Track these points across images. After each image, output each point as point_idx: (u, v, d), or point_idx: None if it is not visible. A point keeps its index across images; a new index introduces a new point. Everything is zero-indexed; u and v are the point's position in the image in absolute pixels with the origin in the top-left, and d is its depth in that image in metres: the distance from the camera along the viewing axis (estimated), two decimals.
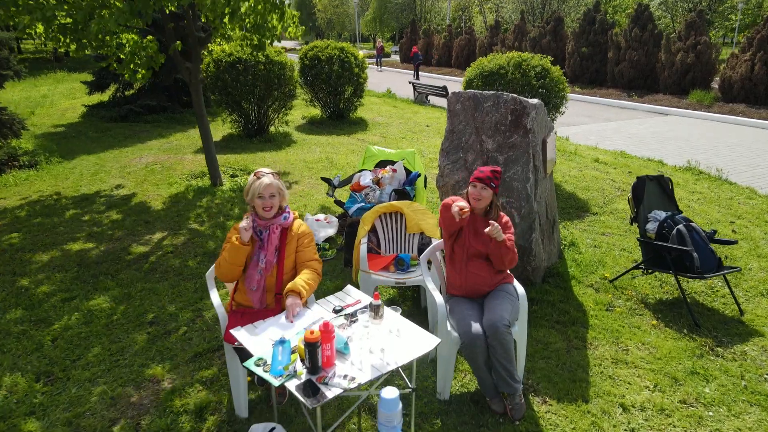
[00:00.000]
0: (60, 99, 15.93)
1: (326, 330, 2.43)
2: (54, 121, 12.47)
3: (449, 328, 3.25)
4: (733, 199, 7.05)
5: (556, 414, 3.23)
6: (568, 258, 5.12)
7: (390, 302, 4.46)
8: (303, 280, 3.01)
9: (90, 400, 3.36)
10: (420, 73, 25.04)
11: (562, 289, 4.60)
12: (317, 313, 2.92)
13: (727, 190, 7.49)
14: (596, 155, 9.20)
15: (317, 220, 5.54)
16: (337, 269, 5.00)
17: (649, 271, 4.65)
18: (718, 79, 15.92)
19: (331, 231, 5.51)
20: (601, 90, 18.41)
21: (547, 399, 3.34)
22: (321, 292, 4.57)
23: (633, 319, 4.23)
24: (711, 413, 3.26)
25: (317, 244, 5.25)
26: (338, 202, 5.25)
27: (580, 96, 17.55)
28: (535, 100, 4.20)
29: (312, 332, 2.41)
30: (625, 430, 3.11)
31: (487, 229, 3.12)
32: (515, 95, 4.17)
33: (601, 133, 11.46)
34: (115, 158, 9.03)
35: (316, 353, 2.40)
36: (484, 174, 3.32)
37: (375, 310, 2.59)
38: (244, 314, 3.06)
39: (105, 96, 13.94)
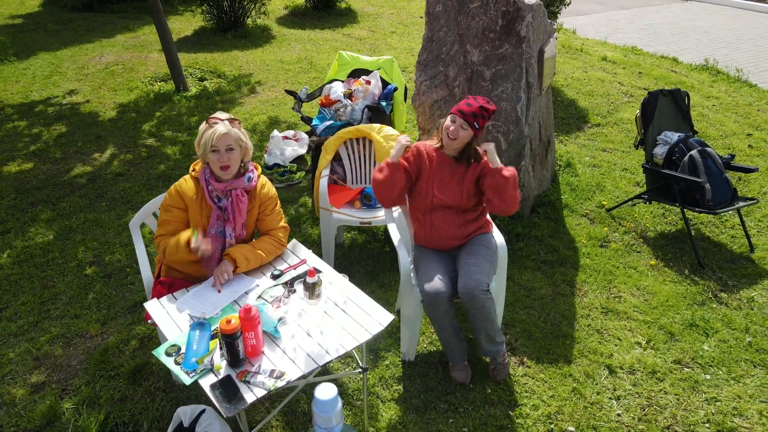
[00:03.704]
0: None
1: (247, 317, 1.96)
2: (12, 11, 11.31)
3: (414, 283, 2.80)
4: (753, 106, 6.33)
5: (533, 378, 2.86)
6: (562, 182, 4.57)
7: (357, 243, 3.99)
8: (251, 250, 2.46)
9: (13, 360, 3.00)
10: None
11: (552, 221, 4.10)
12: (252, 279, 2.45)
13: (747, 94, 6.74)
14: (604, 52, 8.29)
15: (285, 138, 4.92)
16: (305, 196, 4.47)
17: (653, 201, 4.13)
18: None
19: (300, 150, 4.92)
20: None
21: (525, 359, 2.97)
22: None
23: (630, 257, 3.78)
24: (708, 376, 2.89)
25: (284, 166, 4.69)
26: (305, 119, 4.60)
27: None
28: (533, 0, 3.41)
29: (229, 321, 1.94)
30: (610, 398, 2.76)
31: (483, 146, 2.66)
32: None
33: (613, 24, 10.37)
34: (73, 57, 8.16)
35: (235, 345, 1.96)
36: (471, 108, 2.61)
37: (310, 289, 2.10)
38: (172, 286, 2.56)
39: None
